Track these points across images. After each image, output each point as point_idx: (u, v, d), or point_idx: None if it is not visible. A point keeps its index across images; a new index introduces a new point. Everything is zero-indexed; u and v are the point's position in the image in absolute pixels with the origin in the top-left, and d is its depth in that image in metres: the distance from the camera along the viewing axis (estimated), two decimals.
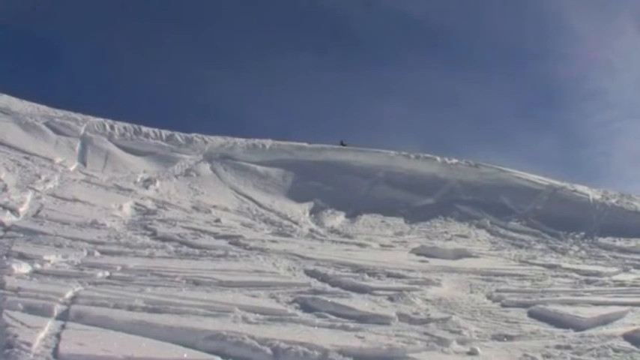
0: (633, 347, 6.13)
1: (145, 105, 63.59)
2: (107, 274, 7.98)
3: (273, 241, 12.54)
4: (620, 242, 16.09)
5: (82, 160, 20.34)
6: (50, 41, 69.71)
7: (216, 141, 25.11)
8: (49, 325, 5.60)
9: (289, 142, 26.02)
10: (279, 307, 7.06)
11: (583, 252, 14.77)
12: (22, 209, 12.21)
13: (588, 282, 10.13)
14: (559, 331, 6.82)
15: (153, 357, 5.07)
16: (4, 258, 8.15)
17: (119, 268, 8.36)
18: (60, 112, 24.47)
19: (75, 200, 14.38)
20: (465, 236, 16.92)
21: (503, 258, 13.19)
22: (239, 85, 72.28)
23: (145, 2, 73.62)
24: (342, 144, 26.92)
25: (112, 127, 23.66)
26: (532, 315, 7.55)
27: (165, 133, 24.58)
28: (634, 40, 75.02)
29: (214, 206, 17.41)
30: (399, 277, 9.61)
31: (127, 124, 24.37)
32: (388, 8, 75.08)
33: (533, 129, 77.16)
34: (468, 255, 12.91)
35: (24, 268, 7.73)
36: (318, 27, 76.12)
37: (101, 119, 24.09)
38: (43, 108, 24.75)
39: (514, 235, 17.30)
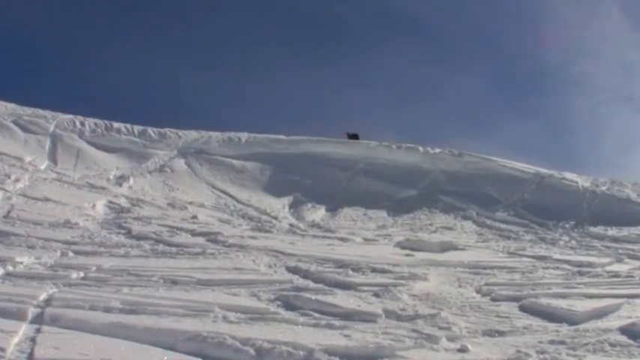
0: (630, 341, 5.94)
1: (116, 100, 63.11)
2: (82, 275, 7.89)
3: (253, 237, 12.41)
4: (612, 231, 15.91)
5: (53, 158, 20.07)
6: (16, 37, 68.88)
7: (191, 135, 24.90)
8: (24, 329, 5.48)
9: (266, 134, 25.80)
10: (260, 306, 6.91)
11: (574, 242, 14.50)
12: None
13: (581, 273, 9.87)
14: (552, 326, 6.62)
15: None
16: None
17: (94, 268, 8.26)
18: (28, 110, 24.15)
19: (46, 200, 14.22)
20: (450, 228, 16.72)
21: (491, 250, 12.96)
22: (213, 78, 72.26)
23: None
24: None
25: (82, 124, 23.37)
26: (524, 309, 7.36)
27: (137, 128, 24.36)
28: (618, 23, 75.25)
29: (190, 202, 17.23)
30: (384, 272, 9.41)
31: (97, 120, 24.10)
32: None
33: (518, 116, 77.62)
34: (455, 247, 12.68)
35: None
36: (297, 18, 75.93)
37: (71, 116, 23.83)
38: (11, 106, 24.41)
39: (501, 225, 17.03)
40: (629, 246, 13.76)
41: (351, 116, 63.17)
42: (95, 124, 23.73)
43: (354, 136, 26.50)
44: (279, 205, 18.53)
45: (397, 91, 74.91)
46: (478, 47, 77.02)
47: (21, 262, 8.24)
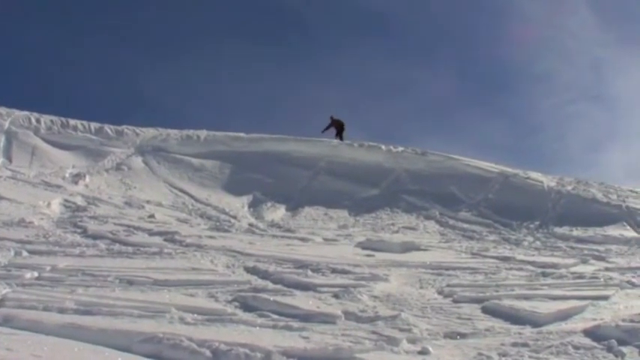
0: (594, 344, 5.89)
1: (72, 97, 62.32)
2: (36, 274, 7.82)
3: (211, 237, 12.34)
4: (578, 232, 16.04)
5: (7, 155, 19.84)
6: None
7: (148, 133, 24.73)
8: None
9: (225, 132, 25.66)
10: (218, 307, 6.86)
11: (538, 243, 14.62)
12: None
13: (545, 275, 9.85)
14: (515, 328, 6.58)
15: None
16: None
17: (48, 268, 8.19)
18: None
19: (0, 198, 14.09)
20: (412, 228, 16.71)
21: (453, 250, 12.94)
22: (172, 75, 71.58)
23: None
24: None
25: (37, 121, 23.10)
26: (486, 311, 7.32)
27: (94, 125, 24.10)
28: (586, 20, 75.30)
29: (147, 201, 17.09)
30: (344, 272, 9.37)
31: (53, 118, 23.84)
32: None
33: (483, 115, 77.86)
34: (417, 248, 12.67)
35: None
36: (257, 14, 75.53)
37: (26, 113, 23.49)
38: None
39: (465, 226, 17.04)
40: (595, 247, 13.89)
41: (312, 114, 63.07)
42: (51, 121, 23.47)
43: (337, 124, 26.59)
44: (238, 204, 18.42)
45: (359, 89, 74.99)
46: (442, 44, 77.34)
47: None
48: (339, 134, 26.50)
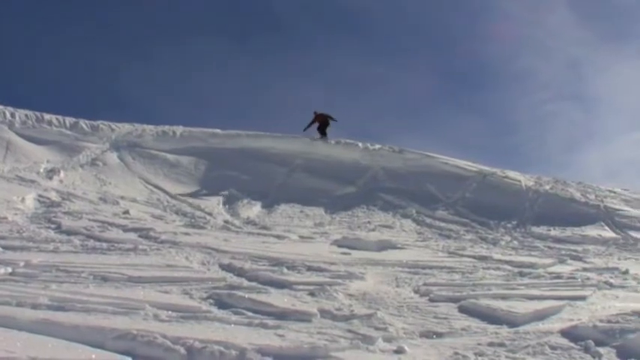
0: (571, 344, 5.92)
1: (47, 91, 61.64)
2: (9, 270, 7.70)
3: (186, 234, 12.25)
4: (555, 231, 16.19)
5: None
6: None
7: (124, 128, 24.54)
8: None
9: (201, 128, 25.55)
10: (192, 304, 6.82)
11: (515, 242, 14.70)
12: None
13: (522, 274, 9.89)
14: (492, 328, 6.59)
15: (59, 358, 4.81)
16: None
17: (22, 263, 8.08)
18: None
19: None
20: (389, 226, 16.70)
21: (430, 249, 12.99)
22: (148, 70, 70.96)
23: None
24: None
25: (12, 115, 22.78)
26: (463, 310, 7.34)
27: (69, 120, 23.85)
28: (565, 17, 75.04)
29: (122, 197, 16.99)
30: (320, 270, 9.36)
31: (28, 112, 23.49)
32: None
33: (461, 113, 77.28)
34: (393, 246, 12.68)
35: None
36: (233, 10, 75.04)
37: (1, 107, 23.17)
38: None
39: (441, 224, 17.11)
40: (572, 247, 14.05)
41: (288, 111, 62.98)
42: (26, 115, 23.15)
43: (321, 118, 25.20)
44: (213, 201, 18.36)
45: (336, 86, 74.43)
46: (419, 42, 76.93)
47: None
48: (322, 129, 25.21)
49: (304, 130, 25.29)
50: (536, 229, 16.46)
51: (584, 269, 10.72)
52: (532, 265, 10.86)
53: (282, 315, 6.56)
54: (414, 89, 76.81)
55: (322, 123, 25.17)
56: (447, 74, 77.43)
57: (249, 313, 6.55)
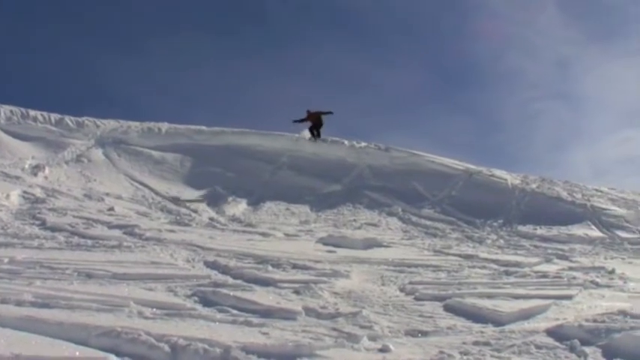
0: (557, 344, 5.88)
1: (32, 87, 61.18)
2: None
3: (171, 231, 12.27)
4: (542, 230, 16.16)
5: None
6: None
7: (109, 125, 24.46)
8: None
9: (187, 125, 25.51)
10: (177, 301, 6.83)
11: (502, 241, 14.65)
12: None
13: (508, 273, 9.87)
14: (477, 327, 6.56)
15: (43, 355, 4.80)
16: None
17: (6, 260, 8.11)
18: None
19: None
20: (375, 224, 16.64)
21: (416, 248, 12.95)
22: (133, 66, 70.63)
23: None
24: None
25: None
26: (448, 309, 7.33)
27: (54, 116, 23.77)
28: (553, 16, 74.89)
29: (107, 194, 16.93)
30: (305, 268, 9.38)
31: (13, 108, 23.43)
32: None
33: (448, 111, 77.31)
34: (379, 244, 12.64)
35: None
36: (218, 6, 74.79)
37: None
38: None
39: (427, 223, 17.04)
40: (559, 246, 14.03)
41: (275, 108, 62.77)
42: (11, 111, 23.09)
43: (314, 117, 24.13)
44: (199, 198, 18.32)
45: (322, 83, 74.05)
46: (407, 39, 76.71)
47: None
48: (316, 130, 24.27)
49: (293, 121, 24.40)
50: (522, 228, 16.44)
51: (571, 268, 10.71)
52: (518, 264, 10.85)
53: (267, 313, 6.56)
54: (402, 87, 76.80)
55: (315, 124, 24.33)
56: (435, 72, 77.51)
57: (234, 311, 6.55)
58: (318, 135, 24.58)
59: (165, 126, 24.88)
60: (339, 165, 22.45)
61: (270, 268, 9.11)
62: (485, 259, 11.35)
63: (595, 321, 6.50)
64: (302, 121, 24.41)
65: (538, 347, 5.77)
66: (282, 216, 17.28)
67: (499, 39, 74.84)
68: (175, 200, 17.33)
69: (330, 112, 24.47)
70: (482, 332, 6.35)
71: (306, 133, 24.94)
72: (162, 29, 74.52)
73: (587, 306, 7.65)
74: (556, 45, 77.41)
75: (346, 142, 24.47)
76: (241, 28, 75.29)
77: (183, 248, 10.34)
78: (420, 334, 6.25)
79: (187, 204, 17.11)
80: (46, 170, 18.23)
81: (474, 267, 10.47)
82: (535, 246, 13.95)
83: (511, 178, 21.35)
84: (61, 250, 9.41)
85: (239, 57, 74.83)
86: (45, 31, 68.08)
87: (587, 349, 5.70)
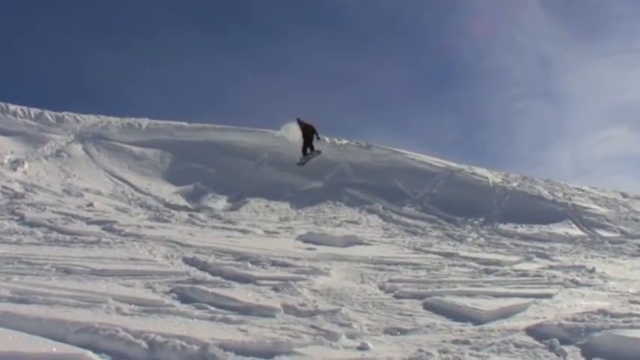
0: (536, 342, 5.86)
1: (12, 82, 60.57)
2: None
3: (150, 227, 12.23)
4: (522, 229, 16.28)
5: None
6: None
7: (89, 120, 24.38)
8: None
9: (167, 121, 25.40)
10: (155, 298, 6.80)
11: (482, 239, 14.75)
12: None
13: (488, 272, 9.88)
14: (456, 325, 6.51)
15: (19, 351, 4.75)
16: None
17: None
18: None
19: None
20: (355, 222, 16.71)
21: (396, 245, 12.97)
22: (114, 61, 69.84)
23: None
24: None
25: None
26: (427, 307, 7.29)
27: (34, 111, 23.66)
28: (536, 14, 74.26)
29: (87, 189, 16.92)
30: (284, 265, 9.37)
31: None
32: None
33: (430, 109, 76.45)
34: (359, 242, 12.66)
35: None
36: (202, 2, 74.24)
37: None
38: None
39: (408, 221, 17.12)
40: (539, 244, 14.13)
41: (257, 105, 62.53)
42: None
43: (307, 129, 21.23)
44: (178, 195, 18.30)
45: (304, 80, 73.71)
46: (390, 36, 75.97)
47: None
48: (310, 142, 21.30)
49: (304, 154, 21.42)
50: (503, 227, 16.54)
51: (551, 267, 10.76)
52: (498, 263, 10.89)
53: (246, 310, 6.53)
54: (384, 84, 76.38)
55: (309, 137, 21.34)
56: (418, 69, 77.04)
57: (212, 308, 6.52)
58: (312, 149, 21.51)
59: (145, 122, 24.81)
60: (320, 162, 22.33)
61: (249, 265, 9.08)
62: (466, 258, 11.37)
63: (575, 320, 6.51)
64: (305, 147, 21.44)
65: (517, 346, 5.75)
66: (262, 213, 17.31)
67: (483, 37, 74.70)
68: (163, 202, 17.26)
69: (318, 138, 21.72)
70: (461, 331, 6.32)
71: (289, 127, 23.31)
72: (144, 25, 73.86)
73: (567, 305, 7.64)
74: (539, 43, 77.22)
75: (327, 139, 24.41)
76: (225, 24, 74.87)
77: (162, 244, 10.31)
78: (399, 332, 6.22)
79: (170, 202, 17.08)
80: (26, 165, 18.16)
81: (454, 265, 10.49)
82: (515, 244, 14.02)
83: (492, 177, 21.43)
84: (40, 245, 9.34)
85: (222, 53, 74.39)
86: (24, 25, 67.46)
87: (567, 348, 5.70)
